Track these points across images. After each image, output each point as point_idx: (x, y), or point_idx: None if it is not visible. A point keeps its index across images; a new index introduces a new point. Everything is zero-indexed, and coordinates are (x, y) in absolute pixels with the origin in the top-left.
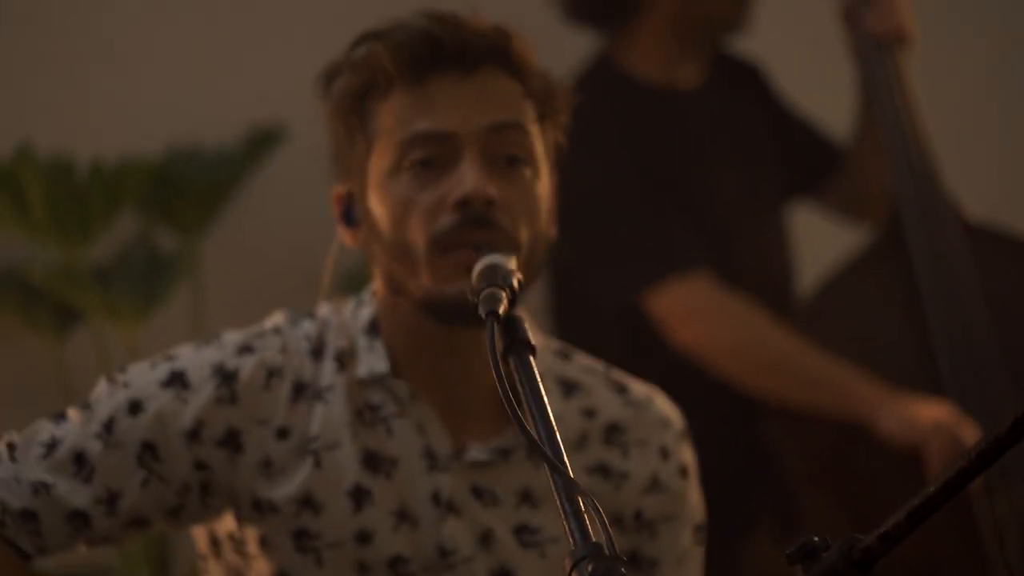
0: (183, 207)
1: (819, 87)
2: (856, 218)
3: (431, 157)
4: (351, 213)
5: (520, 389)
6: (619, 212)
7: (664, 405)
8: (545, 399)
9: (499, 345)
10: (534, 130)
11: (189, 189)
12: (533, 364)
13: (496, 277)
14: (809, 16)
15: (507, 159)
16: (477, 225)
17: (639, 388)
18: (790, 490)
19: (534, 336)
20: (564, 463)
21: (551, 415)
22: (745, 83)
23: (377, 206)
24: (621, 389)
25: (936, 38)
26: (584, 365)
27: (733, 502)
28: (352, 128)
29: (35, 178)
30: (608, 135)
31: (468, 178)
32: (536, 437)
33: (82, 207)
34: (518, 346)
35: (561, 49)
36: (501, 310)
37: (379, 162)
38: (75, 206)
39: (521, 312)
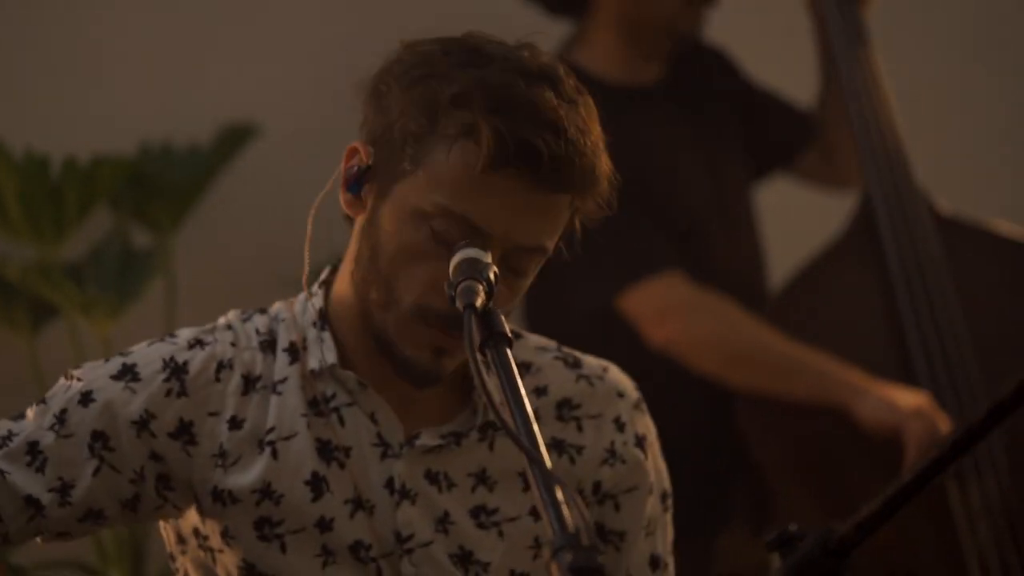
0: (156, 204)
1: (782, 64)
2: (834, 186)
3: (459, 238)
4: (359, 179)
5: (498, 380)
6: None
7: (618, 377)
8: (523, 390)
9: (476, 338)
10: (556, 233)
11: (162, 187)
12: (510, 356)
13: (473, 270)
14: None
15: (517, 271)
16: (458, 325)
17: (592, 362)
18: (764, 482)
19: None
20: (541, 453)
21: (528, 406)
22: (708, 70)
23: (386, 226)
24: (574, 364)
25: (903, 30)
26: (535, 344)
27: (708, 495)
28: (413, 131)
29: (9, 176)
30: None
31: None
32: (512, 426)
33: (56, 205)
34: (495, 338)
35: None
36: (478, 303)
37: (413, 191)
38: (49, 204)
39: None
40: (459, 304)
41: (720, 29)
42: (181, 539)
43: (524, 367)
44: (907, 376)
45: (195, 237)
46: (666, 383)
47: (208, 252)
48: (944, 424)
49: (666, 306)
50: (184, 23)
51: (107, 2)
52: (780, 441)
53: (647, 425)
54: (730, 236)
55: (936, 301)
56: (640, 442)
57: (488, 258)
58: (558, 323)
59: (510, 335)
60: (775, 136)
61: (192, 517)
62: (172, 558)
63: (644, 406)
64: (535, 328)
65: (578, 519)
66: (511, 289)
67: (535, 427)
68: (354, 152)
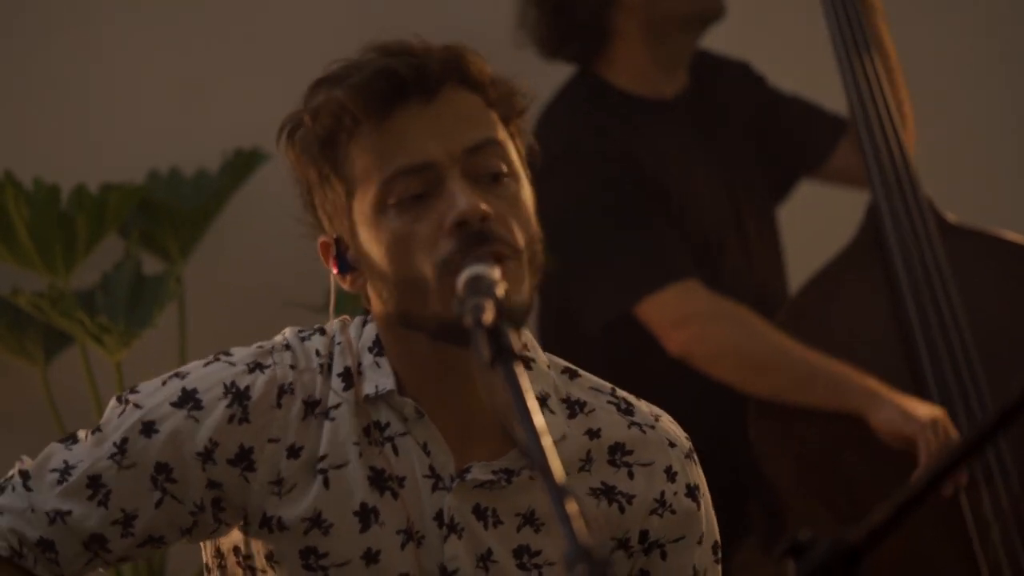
0: (165, 231)
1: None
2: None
3: (416, 191)
4: (344, 260)
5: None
6: (609, 225)
7: (670, 426)
8: (531, 406)
9: (486, 355)
10: (505, 138)
11: (171, 214)
12: (519, 373)
13: (479, 287)
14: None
15: (490, 175)
16: (479, 241)
17: (645, 408)
18: (778, 496)
19: (540, 354)
20: (550, 467)
21: (536, 423)
22: (732, 82)
23: (372, 247)
24: (627, 410)
25: (911, 39)
26: (590, 385)
27: (725, 510)
28: (326, 175)
29: (20, 206)
30: (596, 145)
31: (459, 199)
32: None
33: (67, 234)
34: (504, 355)
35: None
36: (487, 320)
37: (363, 204)
38: (60, 233)
39: (524, 330)
40: (467, 322)
41: (749, 43)
42: (219, 554)
43: (579, 405)
44: (916, 384)
45: (205, 263)
46: (683, 394)
47: (218, 278)
48: (957, 436)
49: (684, 313)
50: (190, 51)
51: (114, 33)
52: (791, 454)
53: (699, 475)
54: (746, 251)
55: (943, 308)
56: (692, 492)
57: (496, 272)
58: (573, 334)
59: (526, 352)
60: (804, 141)
61: (235, 535)
62: (208, 569)
63: (695, 456)
64: (548, 340)
65: (593, 535)
66: (502, 197)
67: (543, 443)
68: (324, 245)
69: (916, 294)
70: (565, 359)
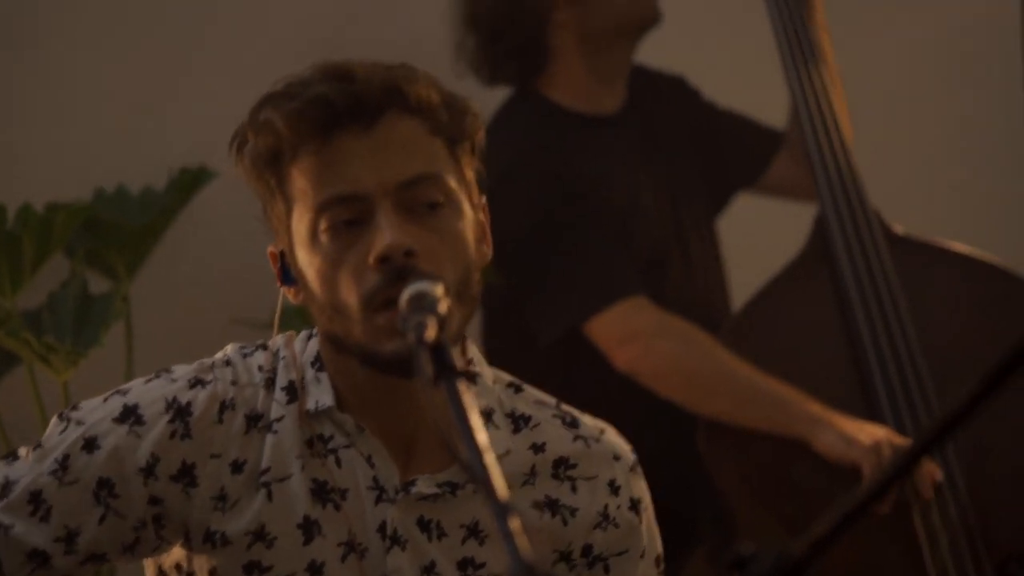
0: (112, 250)
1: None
2: (806, 196)
3: (348, 217)
4: (288, 271)
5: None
6: (555, 242)
7: (615, 439)
8: (474, 423)
9: (429, 372)
10: (447, 168)
11: (117, 232)
12: (462, 390)
13: (421, 305)
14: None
15: (425, 205)
16: (401, 278)
17: (590, 422)
18: (728, 506)
19: (485, 369)
20: (493, 485)
21: (480, 440)
22: (669, 97)
23: (306, 266)
24: (572, 423)
25: (858, 52)
26: (535, 399)
27: (674, 522)
28: (271, 188)
29: None
30: (540, 163)
31: (385, 234)
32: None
33: (13, 254)
34: (447, 372)
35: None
36: (430, 337)
37: (299, 223)
38: (6, 253)
39: (471, 345)
40: (409, 339)
41: (691, 53)
42: (161, 573)
43: (523, 420)
44: (865, 396)
45: (151, 281)
46: (636, 405)
47: (165, 296)
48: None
49: (630, 330)
50: (136, 69)
51: (59, 51)
52: (740, 465)
53: (642, 488)
54: (688, 266)
55: (891, 320)
56: (635, 506)
57: (439, 289)
58: (521, 351)
59: (471, 367)
60: (739, 154)
61: (176, 553)
62: None
63: (640, 469)
64: (498, 355)
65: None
66: (435, 228)
67: (486, 459)
68: (272, 255)
69: (864, 305)
70: (516, 374)
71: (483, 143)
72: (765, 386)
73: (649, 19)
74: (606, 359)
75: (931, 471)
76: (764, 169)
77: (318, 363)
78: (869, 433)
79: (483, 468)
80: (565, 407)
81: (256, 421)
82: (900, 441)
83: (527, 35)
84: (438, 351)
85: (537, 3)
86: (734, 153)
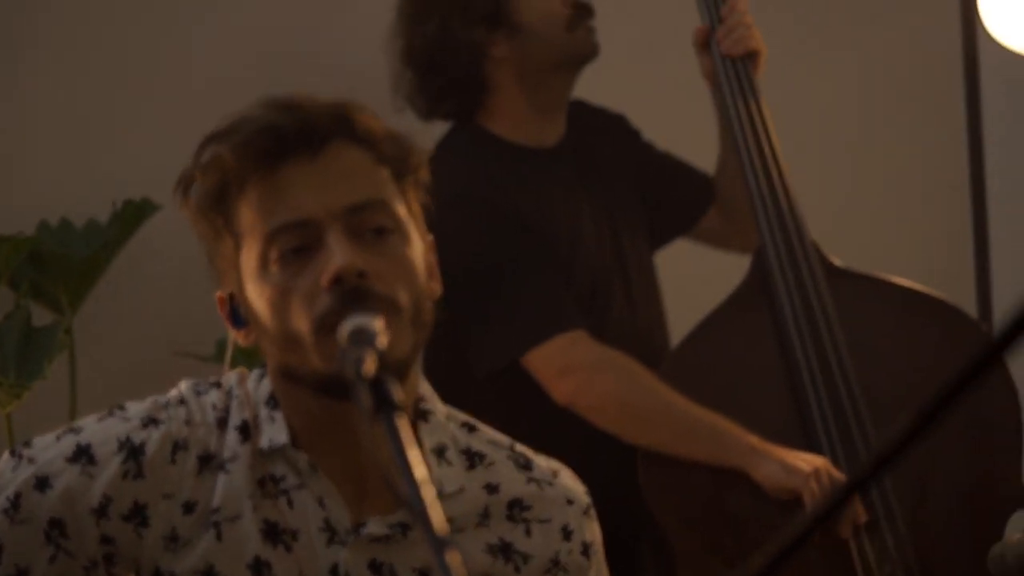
0: (56, 283)
1: (685, 127)
2: (734, 247)
3: (297, 245)
4: (237, 314)
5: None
6: (495, 274)
7: (569, 481)
8: (413, 459)
9: (368, 407)
10: (394, 196)
11: (61, 265)
12: (401, 425)
13: (361, 339)
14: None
15: (373, 231)
16: (355, 299)
17: (544, 464)
18: (668, 538)
19: (438, 405)
20: (430, 517)
21: (418, 476)
22: (609, 133)
23: (256, 300)
24: (526, 465)
25: (796, 84)
26: (489, 438)
27: (616, 555)
28: (218, 229)
29: None
30: (480, 194)
31: (336, 256)
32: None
33: None
34: (385, 408)
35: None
36: (368, 372)
37: (249, 258)
38: None
39: (423, 382)
40: (349, 375)
41: (623, 92)
42: None
43: (478, 457)
44: (803, 428)
45: (95, 314)
46: (575, 437)
47: (108, 329)
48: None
49: (569, 364)
50: (79, 102)
51: (2, 84)
52: (679, 496)
53: (595, 531)
54: (629, 299)
55: (830, 352)
56: (586, 550)
57: (378, 324)
58: (460, 383)
59: (423, 404)
60: (676, 201)
61: None
62: None
63: (592, 512)
64: (436, 387)
65: None
66: (384, 253)
67: (424, 495)
68: (220, 300)
69: (802, 338)
70: (455, 406)
71: (428, 180)
72: (703, 418)
73: (587, 53)
74: (544, 390)
75: (855, 512)
76: (700, 216)
77: (272, 401)
78: (808, 461)
79: (421, 502)
80: (519, 448)
81: (208, 461)
82: (837, 471)
83: (463, 70)
84: (377, 385)
85: (473, 38)
86: (672, 198)
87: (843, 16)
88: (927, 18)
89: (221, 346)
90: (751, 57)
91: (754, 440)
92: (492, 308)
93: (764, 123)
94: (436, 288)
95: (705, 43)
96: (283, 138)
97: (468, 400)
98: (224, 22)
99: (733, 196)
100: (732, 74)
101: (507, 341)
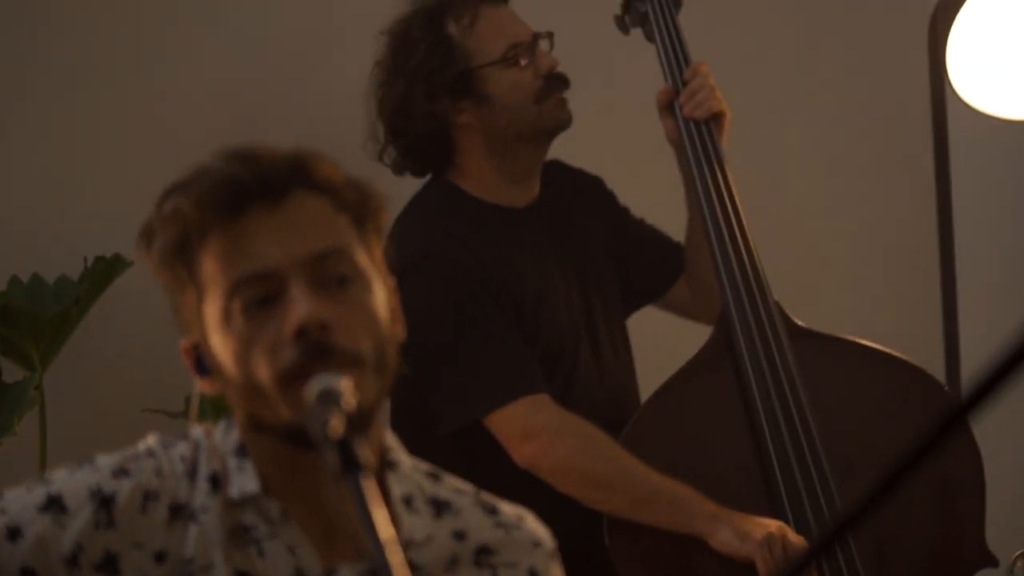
0: (26, 339)
1: (655, 195)
2: (699, 317)
3: (260, 296)
4: (202, 363)
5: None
6: (462, 333)
7: (535, 525)
8: (380, 520)
9: (335, 468)
10: (354, 244)
11: (32, 321)
12: (367, 486)
13: (327, 401)
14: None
15: (336, 280)
16: (318, 351)
17: (509, 509)
18: None
19: (404, 456)
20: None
21: (384, 537)
22: (585, 195)
23: (220, 351)
24: (491, 510)
25: (754, 145)
26: (454, 486)
27: None
28: (181, 280)
29: None
30: (448, 252)
31: (299, 308)
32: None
33: None
34: (352, 469)
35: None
36: (335, 433)
37: (212, 308)
38: None
39: (388, 433)
40: (316, 436)
41: (595, 156)
42: None
43: (445, 506)
44: (767, 488)
45: (65, 370)
46: (539, 494)
47: (78, 385)
48: (798, 544)
49: (531, 427)
50: (51, 158)
51: None
52: (644, 558)
53: (560, 574)
54: (598, 360)
55: (793, 412)
56: None
57: (344, 383)
58: (422, 439)
59: (390, 455)
60: (647, 268)
61: None
62: None
63: (558, 556)
64: (404, 440)
65: None
66: (347, 303)
67: (390, 558)
68: (184, 349)
69: (766, 399)
70: (418, 458)
71: (387, 225)
72: (661, 486)
73: (556, 126)
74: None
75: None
76: (670, 285)
77: (241, 451)
78: (762, 527)
79: (387, 565)
80: (483, 495)
81: (179, 511)
82: (794, 534)
83: (428, 135)
84: (344, 447)
85: (437, 107)
86: (643, 265)
87: (812, 74)
88: (896, 78)
89: (190, 403)
90: (715, 120)
91: (711, 507)
92: (458, 366)
93: (728, 185)
94: (399, 332)
95: (668, 105)
96: (243, 189)
97: (430, 457)
98: (194, 79)
99: (700, 267)
100: (696, 137)
101: (471, 400)
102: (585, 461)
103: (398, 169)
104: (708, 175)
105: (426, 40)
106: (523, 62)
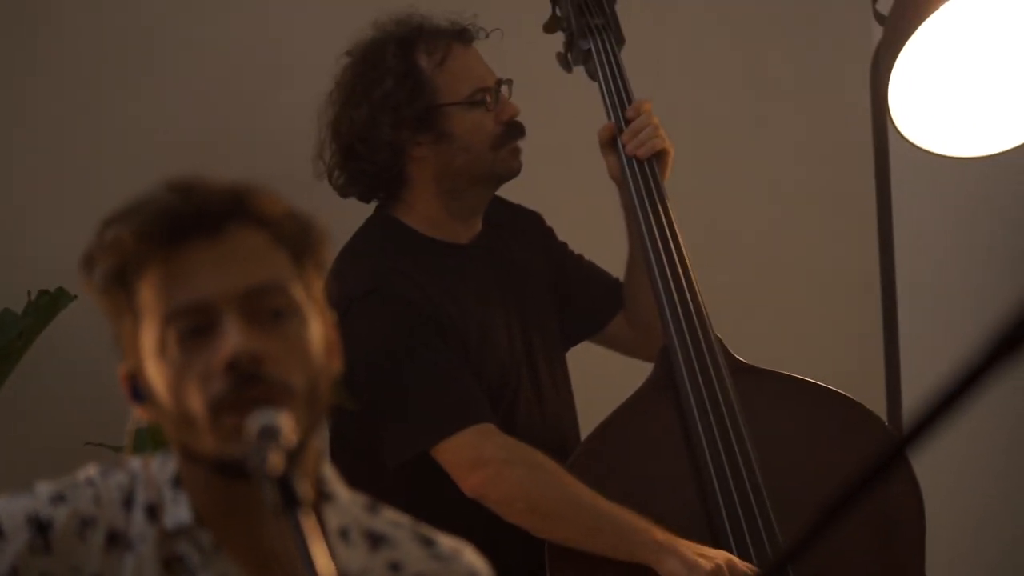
0: None
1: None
2: (637, 354)
3: (194, 326)
4: (138, 390)
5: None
6: (407, 366)
7: (472, 556)
8: (318, 555)
9: (274, 504)
10: (292, 278)
11: None
12: (305, 522)
13: (266, 438)
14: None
15: (270, 313)
16: (249, 384)
17: (447, 542)
18: None
19: (341, 488)
20: None
21: (323, 573)
22: (524, 231)
23: (154, 379)
24: (428, 542)
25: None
26: (391, 519)
27: None
28: (120, 308)
29: None
30: (393, 286)
31: (231, 340)
32: None
33: None
34: (291, 506)
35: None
36: (274, 470)
37: (148, 337)
38: None
39: (325, 464)
40: (254, 473)
41: (534, 192)
42: None
43: (381, 540)
44: (710, 522)
45: (9, 404)
46: (483, 527)
47: (22, 419)
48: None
49: (479, 457)
50: None
51: None
52: None
53: None
54: (539, 394)
55: (735, 447)
56: None
57: (284, 419)
58: (366, 472)
59: (327, 487)
60: (585, 304)
61: None
62: None
63: None
64: (344, 474)
65: None
66: (281, 336)
67: None
68: (122, 375)
69: (708, 432)
70: (363, 492)
71: (328, 259)
72: (610, 514)
73: (507, 173)
74: (453, 481)
75: None
76: (607, 321)
77: (176, 481)
78: (711, 558)
79: None
80: (421, 527)
81: (116, 539)
82: (742, 564)
83: (383, 163)
84: (283, 484)
85: (399, 137)
86: (581, 301)
87: (754, 109)
88: (838, 114)
89: (126, 432)
90: (658, 158)
91: (660, 535)
92: (405, 397)
93: (670, 221)
94: (335, 367)
95: (611, 142)
96: (181, 221)
97: (372, 490)
98: (137, 112)
99: (640, 303)
100: (638, 175)
101: (419, 431)
102: (533, 490)
103: (344, 192)
104: (650, 211)
105: (396, 70)
106: (488, 106)
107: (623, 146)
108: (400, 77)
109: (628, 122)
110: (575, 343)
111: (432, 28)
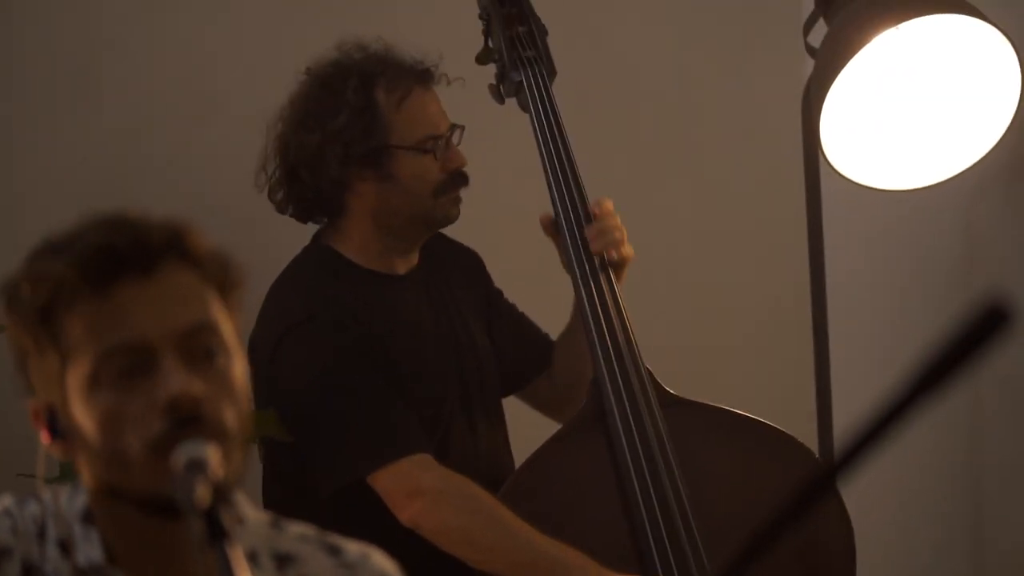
0: None
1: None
2: (554, 414)
3: (130, 365)
4: (55, 426)
5: None
6: (344, 394)
7: (380, 560)
8: None
9: (201, 537)
10: (220, 316)
11: None
12: (232, 557)
13: (195, 467)
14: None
15: (204, 353)
16: (188, 425)
17: (353, 547)
18: None
19: (248, 509)
20: None
21: None
22: (462, 269)
23: (83, 418)
24: (335, 551)
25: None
26: (297, 534)
27: None
28: (42, 344)
29: None
30: (328, 316)
31: (172, 381)
32: None
33: None
34: (219, 537)
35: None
36: (201, 502)
37: (77, 374)
38: None
39: (235, 489)
40: (183, 506)
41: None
42: None
43: (288, 559)
44: (638, 555)
45: None
46: (421, 553)
47: None
48: None
49: (416, 487)
50: None
51: None
52: None
53: None
54: (472, 426)
55: (664, 479)
56: None
57: (210, 452)
58: (295, 504)
59: (238, 512)
60: (512, 362)
61: None
62: None
63: None
64: (275, 506)
65: None
66: (214, 375)
67: None
68: (34, 410)
69: (637, 464)
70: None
71: (242, 299)
72: (546, 549)
73: (443, 221)
74: (388, 509)
75: None
76: (533, 378)
77: (87, 517)
78: None
79: None
80: (328, 537)
81: (31, 573)
82: None
83: (324, 191)
84: (210, 516)
85: (344, 171)
86: (508, 353)
87: (686, 145)
88: (770, 149)
89: (65, 468)
90: (615, 265)
91: (595, 570)
92: (342, 425)
93: (601, 256)
94: (250, 404)
95: (554, 230)
96: (117, 257)
97: (306, 517)
98: (67, 140)
99: (570, 359)
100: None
101: (355, 459)
102: (468, 522)
103: (282, 209)
104: (580, 244)
105: (354, 105)
106: (436, 154)
107: (590, 241)
108: (357, 112)
109: (568, 179)
110: (505, 395)
111: (396, 64)
